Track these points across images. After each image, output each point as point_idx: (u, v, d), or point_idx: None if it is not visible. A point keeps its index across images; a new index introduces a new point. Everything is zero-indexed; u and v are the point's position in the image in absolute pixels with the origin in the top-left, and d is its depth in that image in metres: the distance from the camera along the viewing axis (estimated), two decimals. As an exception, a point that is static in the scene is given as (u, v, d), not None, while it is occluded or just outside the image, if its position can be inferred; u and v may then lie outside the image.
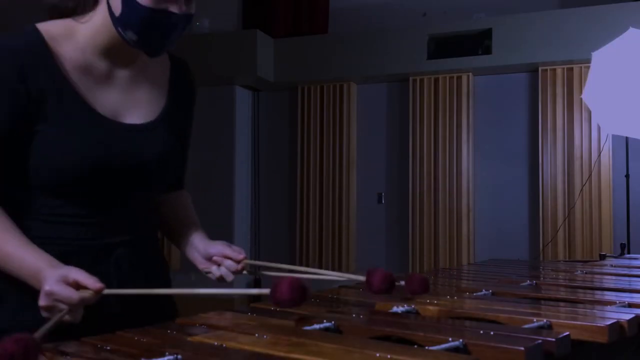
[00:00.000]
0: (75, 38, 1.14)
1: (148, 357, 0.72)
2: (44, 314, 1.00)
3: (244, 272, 1.30)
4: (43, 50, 1.11)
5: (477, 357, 0.73)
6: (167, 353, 0.73)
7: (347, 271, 5.50)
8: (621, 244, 3.56)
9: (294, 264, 5.66)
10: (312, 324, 0.88)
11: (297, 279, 0.92)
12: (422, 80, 5.38)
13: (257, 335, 0.82)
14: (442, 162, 5.28)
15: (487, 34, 5.13)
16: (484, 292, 1.25)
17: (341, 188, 5.58)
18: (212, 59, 5.49)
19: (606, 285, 1.47)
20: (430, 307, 1.02)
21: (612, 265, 1.97)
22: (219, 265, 1.29)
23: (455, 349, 0.75)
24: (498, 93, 5.32)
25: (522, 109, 5.24)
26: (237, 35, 5.72)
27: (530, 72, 5.19)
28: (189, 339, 0.83)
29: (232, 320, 1.02)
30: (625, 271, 1.79)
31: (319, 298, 1.27)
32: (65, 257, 1.11)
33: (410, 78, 5.40)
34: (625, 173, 4.39)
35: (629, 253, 3.84)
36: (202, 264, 1.31)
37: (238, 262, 1.28)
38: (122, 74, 1.20)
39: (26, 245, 1.08)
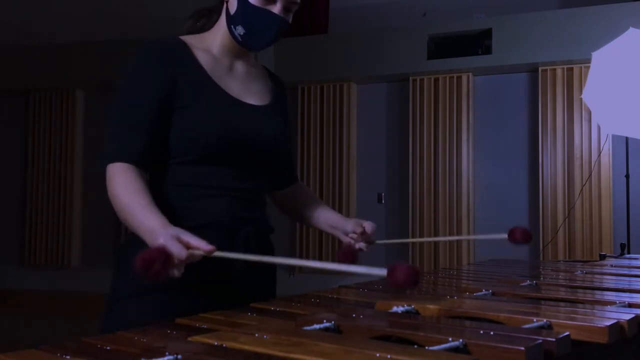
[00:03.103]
0: (205, 43, 1.44)
1: (148, 357, 0.72)
2: None
3: (377, 242, 1.57)
4: (184, 48, 1.40)
5: (477, 357, 0.73)
6: (167, 353, 0.73)
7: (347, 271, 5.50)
8: (621, 244, 3.56)
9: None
10: (312, 324, 0.88)
11: (413, 267, 1.00)
12: (422, 80, 5.38)
13: (257, 335, 0.82)
14: (442, 162, 5.29)
15: (487, 34, 5.13)
16: (484, 292, 1.25)
17: (341, 188, 5.58)
18: (212, 59, 5.49)
19: (606, 285, 1.47)
20: (430, 307, 1.02)
21: (612, 265, 1.97)
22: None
23: (455, 349, 0.75)
24: (498, 93, 5.32)
25: (522, 109, 5.24)
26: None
27: (530, 72, 5.19)
28: (189, 339, 0.83)
29: (232, 320, 1.02)
30: (625, 271, 1.79)
31: (319, 298, 1.27)
32: (198, 230, 1.22)
33: (410, 78, 5.40)
34: (625, 173, 4.39)
35: (629, 253, 3.84)
36: (344, 239, 1.59)
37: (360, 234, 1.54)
38: (239, 69, 1.47)
39: (150, 207, 1.25)
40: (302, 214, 1.66)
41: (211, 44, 1.45)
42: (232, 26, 1.40)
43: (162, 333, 0.92)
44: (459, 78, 5.29)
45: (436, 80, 5.35)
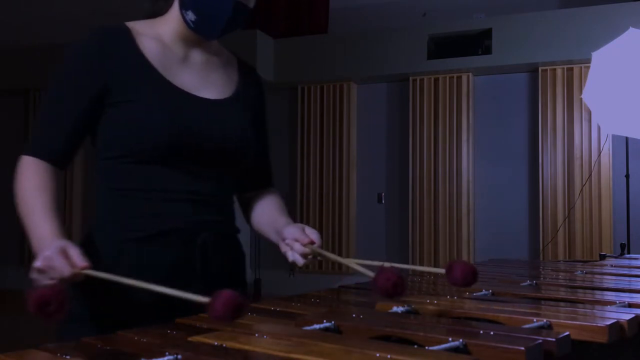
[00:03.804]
0: (155, 30, 1.30)
1: (148, 357, 0.72)
2: (34, 274, 1.04)
3: (310, 257, 1.25)
4: (127, 36, 1.27)
5: (477, 357, 0.73)
6: (167, 353, 0.73)
7: (347, 272, 5.51)
8: (621, 244, 3.57)
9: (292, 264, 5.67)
10: (312, 324, 0.88)
11: (235, 296, 0.84)
12: (422, 80, 5.38)
13: (257, 335, 0.82)
14: (442, 162, 5.29)
15: (487, 34, 5.13)
16: (484, 292, 1.25)
17: (341, 188, 5.58)
18: (212, 59, 5.50)
19: (606, 285, 1.47)
20: (430, 307, 1.02)
21: (612, 265, 1.97)
22: (292, 249, 1.27)
23: (455, 349, 0.75)
24: (498, 93, 5.32)
25: (522, 109, 5.24)
26: (237, 35, 5.70)
27: (530, 72, 5.19)
28: (189, 339, 0.83)
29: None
30: (625, 271, 1.79)
31: (319, 298, 1.26)
32: (151, 240, 1.17)
33: (410, 78, 5.40)
34: (625, 173, 4.39)
35: (629, 253, 3.84)
36: (282, 248, 1.31)
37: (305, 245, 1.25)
38: (196, 58, 1.32)
39: (49, 211, 1.17)
40: (253, 216, 1.44)
41: (163, 31, 1.30)
42: (183, 10, 1.26)
43: (162, 333, 0.92)
44: (459, 78, 5.29)
45: (436, 80, 5.35)
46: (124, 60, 1.24)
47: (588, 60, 4.29)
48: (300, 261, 1.25)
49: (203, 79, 1.31)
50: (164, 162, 1.23)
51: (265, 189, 1.48)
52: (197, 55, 1.33)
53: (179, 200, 1.24)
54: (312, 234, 1.26)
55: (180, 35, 1.30)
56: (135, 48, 1.26)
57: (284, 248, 1.29)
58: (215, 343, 0.79)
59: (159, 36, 1.30)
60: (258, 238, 5.62)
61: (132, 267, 1.18)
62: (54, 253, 1.04)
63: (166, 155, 1.22)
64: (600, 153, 4.81)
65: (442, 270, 1.08)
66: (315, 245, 1.24)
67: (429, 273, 1.65)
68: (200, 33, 1.29)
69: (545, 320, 0.88)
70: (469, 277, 1.05)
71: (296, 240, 1.26)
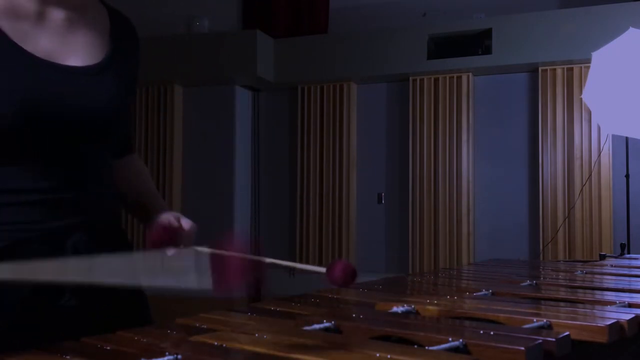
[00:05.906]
0: None
1: (148, 357, 0.72)
2: None
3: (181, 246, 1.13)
4: None
5: (477, 357, 0.73)
6: (167, 353, 0.73)
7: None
8: (621, 244, 3.57)
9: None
10: (312, 324, 0.88)
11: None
12: (422, 80, 5.38)
13: (257, 335, 0.82)
14: (442, 162, 5.28)
15: (487, 34, 5.13)
16: (484, 292, 1.25)
17: (341, 188, 5.58)
18: (212, 59, 5.49)
19: (606, 285, 1.47)
20: (430, 307, 1.02)
21: (612, 265, 1.97)
22: None
23: (455, 349, 0.75)
24: (498, 93, 5.32)
25: (522, 109, 5.24)
26: (237, 35, 5.72)
27: (530, 72, 5.19)
28: (189, 339, 0.83)
29: (232, 320, 1.02)
30: (625, 271, 1.79)
31: (319, 298, 1.27)
32: (14, 247, 0.99)
33: (410, 78, 5.40)
34: (625, 173, 4.39)
35: (629, 253, 3.85)
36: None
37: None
38: (56, 15, 1.08)
39: None
40: (125, 199, 1.26)
41: None
42: None
43: (162, 333, 0.92)
44: (459, 78, 5.29)
45: (436, 80, 5.35)
46: None
47: (588, 60, 4.29)
48: (170, 252, 1.13)
49: (65, 42, 1.08)
50: (14, 151, 1.00)
51: (124, 157, 1.29)
52: (56, 13, 1.08)
53: (35, 203, 1.03)
54: (187, 224, 1.14)
55: None
56: None
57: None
58: (215, 343, 0.79)
59: None
60: (258, 237, 5.62)
61: None
62: None
63: (18, 143, 1.00)
64: (600, 153, 4.81)
65: (322, 269, 0.90)
66: (188, 229, 1.14)
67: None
68: None
69: (545, 320, 0.88)
70: (348, 277, 0.87)
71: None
